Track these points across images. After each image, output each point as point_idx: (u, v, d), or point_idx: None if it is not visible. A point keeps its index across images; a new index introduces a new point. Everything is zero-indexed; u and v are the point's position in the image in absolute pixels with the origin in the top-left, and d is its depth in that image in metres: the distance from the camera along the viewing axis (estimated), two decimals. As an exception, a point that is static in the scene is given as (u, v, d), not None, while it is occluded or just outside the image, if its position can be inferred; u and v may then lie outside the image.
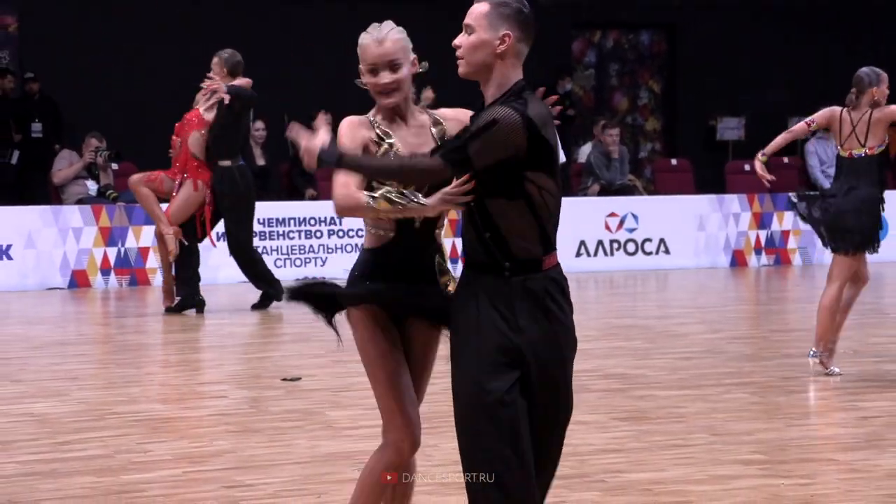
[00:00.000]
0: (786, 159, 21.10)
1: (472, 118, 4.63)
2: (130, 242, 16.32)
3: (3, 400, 9.34)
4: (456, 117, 5.02)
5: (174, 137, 13.59)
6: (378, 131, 4.93)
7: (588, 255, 17.89)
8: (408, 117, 4.99)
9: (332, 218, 16.96)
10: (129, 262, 16.33)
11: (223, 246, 14.38)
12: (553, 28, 21.65)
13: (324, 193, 17.05)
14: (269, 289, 13.72)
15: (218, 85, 13.04)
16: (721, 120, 22.21)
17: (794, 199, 10.46)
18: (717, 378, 10.00)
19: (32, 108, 19.04)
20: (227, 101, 13.04)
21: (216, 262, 15.22)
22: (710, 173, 20.80)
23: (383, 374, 4.98)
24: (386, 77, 4.91)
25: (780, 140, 10.11)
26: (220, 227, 14.12)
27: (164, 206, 13.55)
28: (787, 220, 18.80)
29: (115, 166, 17.68)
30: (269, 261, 16.23)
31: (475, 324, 4.54)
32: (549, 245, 4.65)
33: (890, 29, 22.95)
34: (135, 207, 16.46)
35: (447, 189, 4.55)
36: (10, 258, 16.01)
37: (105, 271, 16.25)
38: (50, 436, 8.17)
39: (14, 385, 9.94)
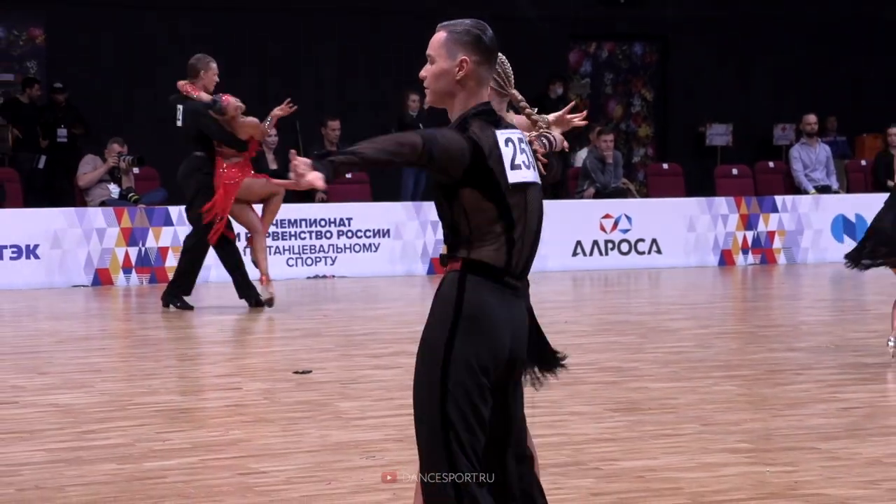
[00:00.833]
0: (771, 164, 21.09)
1: None
2: (150, 242, 16.32)
3: (30, 391, 9.34)
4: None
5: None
6: None
7: (584, 254, 17.87)
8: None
9: (341, 219, 16.96)
10: (150, 260, 16.32)
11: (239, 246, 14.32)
12: (551, 39, 21.69)
13: (333, 196, 17.03)
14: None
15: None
16: (709, 127, 22.18)
17: (849, 263, 10.46)
18: (706, 371, 9.99)
19: (58, 116, 19.04)
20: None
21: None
22: (699, 177, 20.78)
23: None
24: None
25: None
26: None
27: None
28: (772, 222, 18.79)
29: (136, 170, 17.66)
30: (280, 260, 16.29)
31: None
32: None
33: (866, 43, 22.93)
34: (154, 209, 16.48)
35: None
36: (37, 257, 16.01)
37: (127, 270, 16.24)
38: (75, 425, 8.17)
39: (41, 377, 9.94)
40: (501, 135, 4.47)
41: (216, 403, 9.16)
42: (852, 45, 22.89)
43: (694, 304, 14.87)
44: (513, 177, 4.44)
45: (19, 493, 6.59)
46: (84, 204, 17.17)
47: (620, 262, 18.14)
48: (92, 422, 8.25)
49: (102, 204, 16.93)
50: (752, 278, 17.57)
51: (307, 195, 16.47)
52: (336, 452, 7.40)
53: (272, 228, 15.75)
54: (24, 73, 19.58)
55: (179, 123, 13.54)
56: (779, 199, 19.07)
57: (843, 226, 19.15)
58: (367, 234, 17.02)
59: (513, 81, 5.33)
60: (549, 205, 17.01)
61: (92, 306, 14.85)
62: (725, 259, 18.59)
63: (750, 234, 18.72)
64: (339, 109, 19.43)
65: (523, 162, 4.49)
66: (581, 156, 19.99)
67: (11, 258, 15.91)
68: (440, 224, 4.54)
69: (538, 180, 4.57)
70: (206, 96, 13.29)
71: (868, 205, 19.17)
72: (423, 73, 4.51)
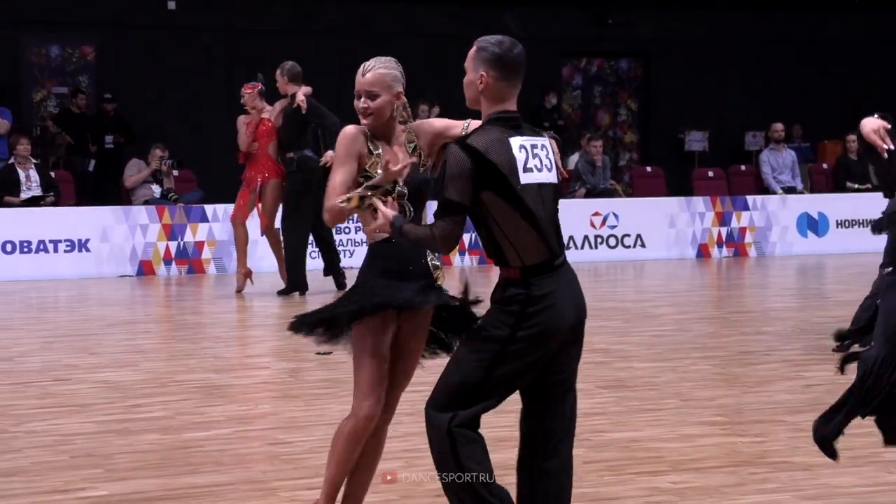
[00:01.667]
0: (743, 167, 21.07)
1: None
2: (188, 237, 16.32)
3: (82, 369, 9.36)
4: (421, 128, 4.99)
5: (252, 142, 13.48)
6: (370, 144, 4.90)
7: (576, 248, 17.86)
8: (390, 137, 4.94)
9: (357, 218, 16.93)
10: (187, 253, 16.33)
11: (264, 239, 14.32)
12: (546, 56, 21.66)
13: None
14: (295, 281, 13.57)
15: (302, 101, 13.06)
16: (688, 134, 22.17)
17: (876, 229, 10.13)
18: (685, 352, 9.99)
19: (106, 124, 19.05)
20: (303, 109, 13.05)
21: (262, 252, 15.18)
22: (678, 179, 20.77)
23: (368, 360, 4.84)
24: (362, 103, 4.88)
25: None
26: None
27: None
28: (744, 219, 18.77)
29: (176, 173, 17.68)
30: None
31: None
32: (501, 258, 4.52)
33: (827, 62, 22.91)
34: (192, 208, 16.48)
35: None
36: (88, 250, 16.02)
37: (167, 261, 16.25)
38: (122, 400, 8.18)
39: (92, 357, 9.96)
40: (516, 141, 4.50)
41: (247, 381, 9.18)
42: (815, 63, 22.90)
43: (674, 292, 14.87)
44: (524, 178, 4.47)
45: (73, 460, 6.60)
46: (129, 202, 17.18)
47: (608, 254, 18.13)
48: (137, 397, 8.27)
49: (146, 203, 16.94)
50: (726, 269, 17.56)
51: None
52: (354, 424, 7.40)
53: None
54: (77, 87, 19.58)
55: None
56: (750, 198, 19.04)
57: (807, 222, 19.15)
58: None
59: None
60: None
61: (136, 294, 14.88)
62: (702, 252, 18.57)
63: (724, 230, 18.70)
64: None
65: (535, 166, 4.51)
66: (573, 160, 19.98)
67: (66, 251, 15.93)
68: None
69: (554, 180, 4.59)
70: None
71: (830, 204, 19.22)
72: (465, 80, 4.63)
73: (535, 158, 4.52)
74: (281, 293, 13.54)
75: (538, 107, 20.90)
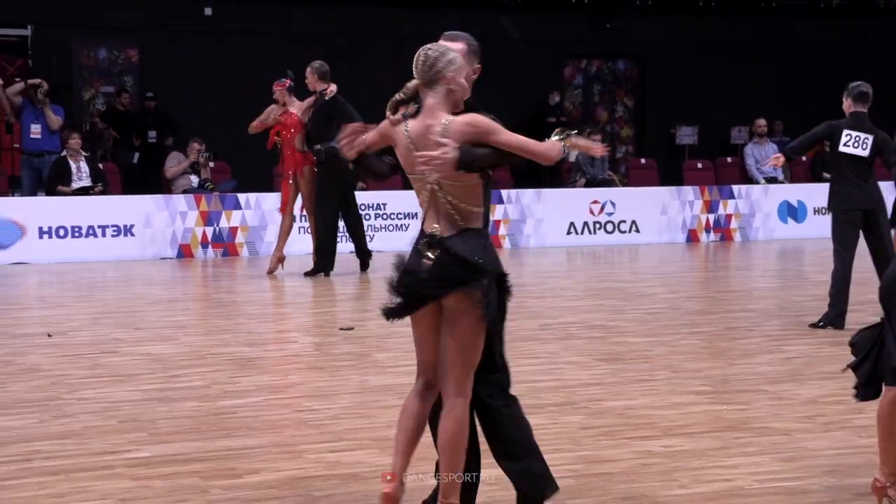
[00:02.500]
0: (729, 159, 21.02)
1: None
2: (223, 223, 16.33)
3: (128, 343, 9.40)
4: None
5: (275, 137, 13.55)
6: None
7: (576, 233, 17.84)
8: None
9: (378, 204, 16.94)
10: (223, 238, 16.34)
11: (296, 225, 14.37)
12: (550, 57, 21.64)
13: (371, 184, 16.99)
14: (322, 263, 13.61)
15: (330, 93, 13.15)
16: (679, 129, 22.10)
17: None
18: (675, 328, 9.99)
19: (148, 120, 19.08)
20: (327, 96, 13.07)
21: (292, 238, 15.15)
22: (670, 170, 20.71)
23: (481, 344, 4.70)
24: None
25: None
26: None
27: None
28: (730, 206, 18.72)
29: (212, 164, 17.70)
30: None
31: None
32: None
33: (807, 62, 22.82)
34: (226, 196, 16.49)
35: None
36: (132, 235, 16.05)
37: (204, 245, 16.27)
38: (163, 370, 8.22)
39: (136, 332, 9.99)
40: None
41: (277, 354, 9.19)
42: (794, 64, 22.81)
43: (666, 273, 14.86)
44: None
45: (120, 425, 6.64)
46: (170, 191, 17.20)
47: (606, 239, 18.11)
48: (177, 368, 8.30)
49: (185, 191, 16.96)
50: (713, 253, 17.53)
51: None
52: (374, 394, 7.43)
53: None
54: (122, 87, 19.61)
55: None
56: (735, 187, 19.00)
57: (787, 210, 19.11)
58: (399, 216, 17.03)
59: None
60: (548, 192, 17.00)
61: (176, 275, 14.91)
62: (692, 237, 18.54)
63: (712, 217, 18.66)
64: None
65: None
66: (574, 152, 19.92)
67: (112, 236, 15.96)
68: None
69: None
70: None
71: (808, 193, 19.17)
72: None
73: None
74: (307, 274, 13.56)
75: (542, 104, 20.86)
